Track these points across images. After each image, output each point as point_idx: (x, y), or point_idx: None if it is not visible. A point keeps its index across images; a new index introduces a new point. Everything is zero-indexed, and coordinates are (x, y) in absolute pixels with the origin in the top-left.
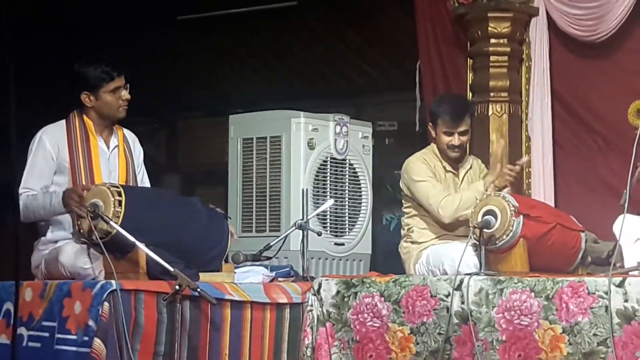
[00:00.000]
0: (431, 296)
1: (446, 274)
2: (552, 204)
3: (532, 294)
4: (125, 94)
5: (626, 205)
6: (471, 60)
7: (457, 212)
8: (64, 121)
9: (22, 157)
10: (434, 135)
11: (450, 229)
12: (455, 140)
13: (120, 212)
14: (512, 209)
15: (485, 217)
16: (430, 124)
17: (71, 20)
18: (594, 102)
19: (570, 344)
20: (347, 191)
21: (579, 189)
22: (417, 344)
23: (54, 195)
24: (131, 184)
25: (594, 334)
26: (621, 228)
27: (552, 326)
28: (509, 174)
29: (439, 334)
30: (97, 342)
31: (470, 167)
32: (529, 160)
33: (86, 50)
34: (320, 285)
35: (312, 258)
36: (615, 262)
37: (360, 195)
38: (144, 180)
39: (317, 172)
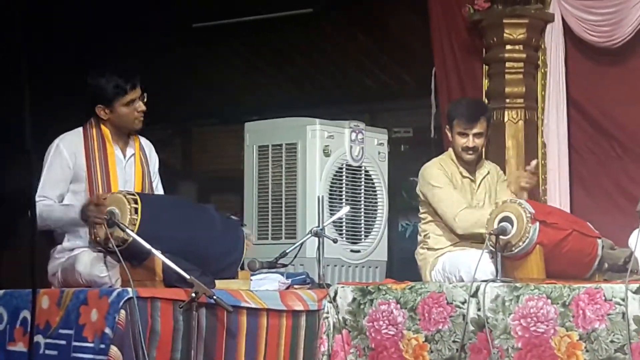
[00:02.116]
0: (447, 303)
1: (462, 281)
2: (568, 211)
3: (549, 300)
4: (140, 105)
5: None
6: (487, 67)
7: (473, 228)
8: (80, 129)
9: (37, 163)
10: (450, 138)
11: (465, 236)
12: (470, 141)
13: (137, 220)
14: (529, 215)
15: (502, 223)
16: (447, 127)
17: (86, 26)
18: (610, 108)
19: (587, 351)
20: (362, 198)
21: (595, 195)
22: (432, 352)
23: (71, 208)
24: (147, 193)
25: (611, 341)
26: (636, 242)
27: (568, 333)
28: (523, 178)
29: (454, 341)
30: (114, 350)
31: (488, 173)
32: (537, 163)
33: (100, 56)
34: (336, 293)
35: (328, 265)
36: (633, 269)
37: (376, 202)
38: (158, 189)
39: (333, 179)
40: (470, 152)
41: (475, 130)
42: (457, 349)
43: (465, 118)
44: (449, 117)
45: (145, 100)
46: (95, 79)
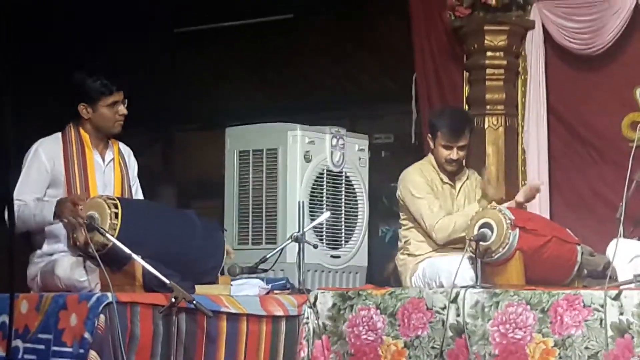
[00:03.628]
0: (427, 309)
1: (442, 286)
2: (548, 217)
3: (528, 306)
4: (122, 109)
5: (622, 218)
6: (467, 73)
7: (450, 236)
8: (59, 134)
9: (17, 169)
10: (432, 147)
11: (447, 244)
12: (454, 154)
13: (117, 225)
14: (508, 221)
15: (482, 229)
16: (430, 135)
17: (68, 30)
18: (588, 115)
19: (560, 357)
20: (343, 204)
21: (573, 201)
22: (410, 357)
23: (46, 204)
24: (127, 198)
25: (586, 347)
26: (615, 251)
27: (544, 339)
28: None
29: (432, 347)
30: (93, 355)
31: (467, 179)
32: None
33: (83, 62)
34: (316, 298)
35: (308, 270)
36: (612, 275)
37: (357, 208)
38: (138, 194)
39: (314, 184)
40: (454, 164)
41: (459, 144)
42: (435, 355)
43: (450, 132)
44: (433, 127)
45: (126, 105)
46: (82, 77)
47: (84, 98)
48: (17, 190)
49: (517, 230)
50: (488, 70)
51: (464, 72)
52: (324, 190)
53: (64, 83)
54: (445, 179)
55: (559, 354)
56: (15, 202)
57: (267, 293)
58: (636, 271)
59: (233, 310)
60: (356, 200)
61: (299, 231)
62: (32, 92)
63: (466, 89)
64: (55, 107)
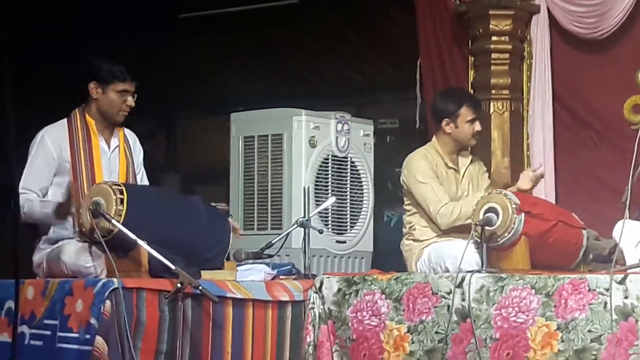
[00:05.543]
0: (432, 294)
1: (448, 271)
2: (553, 201)
3: (533, 291)
4: (130, 100)
5: (628, 202)
6: (472, 58)
7: (454, 222)
8: (65, 120)
9: (20, 157)
10: (449, 130)
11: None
12: (478, 125)
13: (122, 211)
14: (514, 206)
15: (487, 214)
16: (446, 119)
17: (69, 19)
18: (591, 98)
19: (562, 340)
20: (348, 189)
21: (577, 185)
22: (413, 342)
23: (49, 204)
24: (132, 184)
25: (589, 330)
26: (621, 233)
27: (547, 323)
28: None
29: (437, 332)
30: (99, 340)
31: (471, 163)
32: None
33: (84, 50)
34: (322, 283)
35: (313, 256)
36: (617, 259)
37: (362, 193)
38: (143, 180)
39: (319, 170)
40: (478, 136)
41: (480, 114)
42: (439, 340)
43: (474, 103)
44: (451, 107)
45: (135, 99)
46: (97, 58)
47: (97, 77)
48: (23, 180)
49: (523, 214)
50: (493, 55)
51: (469, 56)
52: (329, 176)
53: (63, 71)
54: (450, 164)
55: (562, 337)
56: (22, 192)
57: (273, 278)
58: None
59: (239, 296)
60: (361, 186)
61: (304, 216)
62: (31, 80)
63: (471, 73)
64: (55, 95)
